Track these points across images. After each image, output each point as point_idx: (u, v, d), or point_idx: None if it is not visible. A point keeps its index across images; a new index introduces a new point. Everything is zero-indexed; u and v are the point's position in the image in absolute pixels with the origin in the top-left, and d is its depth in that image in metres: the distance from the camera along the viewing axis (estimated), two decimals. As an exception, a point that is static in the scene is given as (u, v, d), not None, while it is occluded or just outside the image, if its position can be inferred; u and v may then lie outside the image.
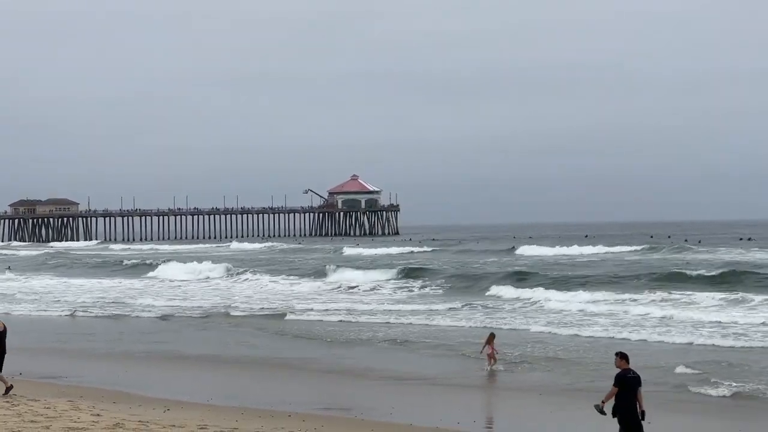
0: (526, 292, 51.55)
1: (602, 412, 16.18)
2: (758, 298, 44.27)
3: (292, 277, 70.34)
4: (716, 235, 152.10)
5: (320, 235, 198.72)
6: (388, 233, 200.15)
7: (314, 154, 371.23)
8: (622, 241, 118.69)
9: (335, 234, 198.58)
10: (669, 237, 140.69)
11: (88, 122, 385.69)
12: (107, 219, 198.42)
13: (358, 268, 73.88)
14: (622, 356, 16.34)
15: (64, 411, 19.48)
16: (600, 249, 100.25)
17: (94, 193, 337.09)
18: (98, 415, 19.10)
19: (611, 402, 16.13)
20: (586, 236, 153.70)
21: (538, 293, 50.72)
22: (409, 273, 68.73)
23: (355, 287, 60.78)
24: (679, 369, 26.26)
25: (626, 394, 15.92)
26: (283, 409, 21.62)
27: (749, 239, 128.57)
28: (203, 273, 77.93)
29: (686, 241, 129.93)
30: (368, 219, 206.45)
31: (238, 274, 75.50)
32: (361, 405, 22.98)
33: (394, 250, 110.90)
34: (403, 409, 22.23)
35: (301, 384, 26.89)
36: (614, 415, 16.03)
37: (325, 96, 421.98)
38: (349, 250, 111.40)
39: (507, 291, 53.22)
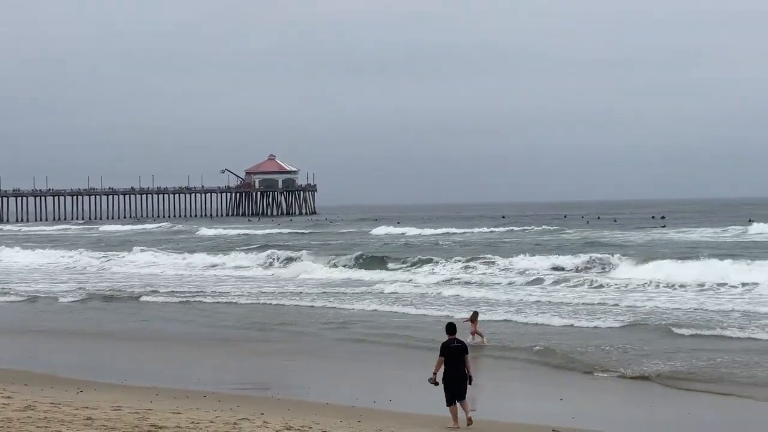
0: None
1: (435, 383, 17.33)
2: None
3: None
4: (636, 215, 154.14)
5: (238, 215, 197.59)
6: (306, 213, 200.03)
7: (231, 133, 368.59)
8: (525, 222, 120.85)
9: (253, 214, 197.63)
10: (582, 217, 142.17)
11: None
12: (19, 199, 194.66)
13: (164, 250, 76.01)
14: (449, 329, 17.72)
15: (-27, 394, 19.11)
16: (457, 229, 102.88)
17: (5, 172, 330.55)
18: (9, 397, 18.75)
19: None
20: (503, 217, 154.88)
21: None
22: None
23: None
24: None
25: (452, 361, 17.22)
26: (198, 389, 21.49)
27: (662, 217, 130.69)
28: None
29: (598, 218, 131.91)
30: (285, 199, 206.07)
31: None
32: (278, 383, 22.96)
33: (252, 231, 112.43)
34: (320, 388, 22.27)
35: (217, 363, 26.78)
36: (441, 383, 17.32)
37: (243, 75, 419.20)
38: (206, 231, 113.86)
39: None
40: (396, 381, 23.56)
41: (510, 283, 46.11)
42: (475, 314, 29.54)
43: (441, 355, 17.37)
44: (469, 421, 17.27)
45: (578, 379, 23.21)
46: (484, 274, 50.44)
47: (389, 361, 26.35)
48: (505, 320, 33.13)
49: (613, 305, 36.28)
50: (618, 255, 53.43)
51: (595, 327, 30.99)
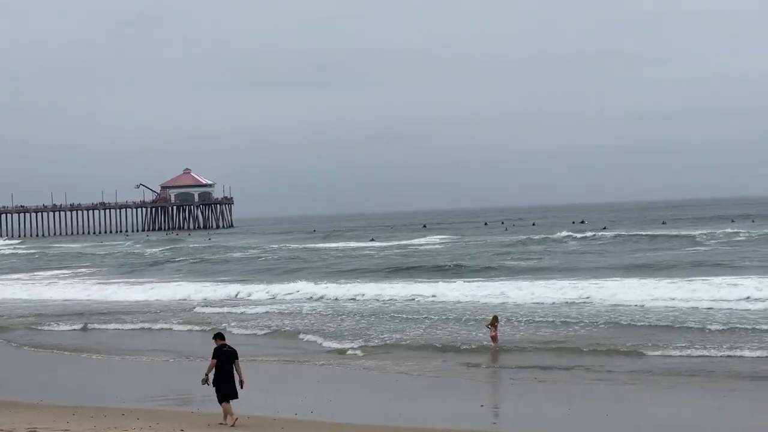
0: None
1: (207, 383, 18.78)
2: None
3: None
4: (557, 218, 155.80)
5: (154, 229, 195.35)
6: (223, 226, 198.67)
7: (146, 148, 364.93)
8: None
9: (169, 228, 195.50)
10: (502, 223, 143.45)
11: None
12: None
13: None
14: (217, 336, 19.31)
15: None
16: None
17: None
18: None
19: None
20: (387, 225, 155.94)
21: None
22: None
23: None
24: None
25: (223, 365, 18.68)
26: (117, 406, 21.13)
27: (582, 222, 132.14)
28: None
29: (513, 224, 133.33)
30: (202, 212, 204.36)
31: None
32: (199, 397, 22.68)
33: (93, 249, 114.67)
34: (240, 400, 22.02)
35: (135, 377, 26.43)
36: (213, 384, 18.74)
37: (154, 88, 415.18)
38: (57, 250, 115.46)
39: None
40: (318, 391, 23.38)
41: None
42: (495, 318, 28.82)
43: (213, 357, 18.78)
44: (234, 423, 18.37)
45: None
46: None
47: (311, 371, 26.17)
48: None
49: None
50: None
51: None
